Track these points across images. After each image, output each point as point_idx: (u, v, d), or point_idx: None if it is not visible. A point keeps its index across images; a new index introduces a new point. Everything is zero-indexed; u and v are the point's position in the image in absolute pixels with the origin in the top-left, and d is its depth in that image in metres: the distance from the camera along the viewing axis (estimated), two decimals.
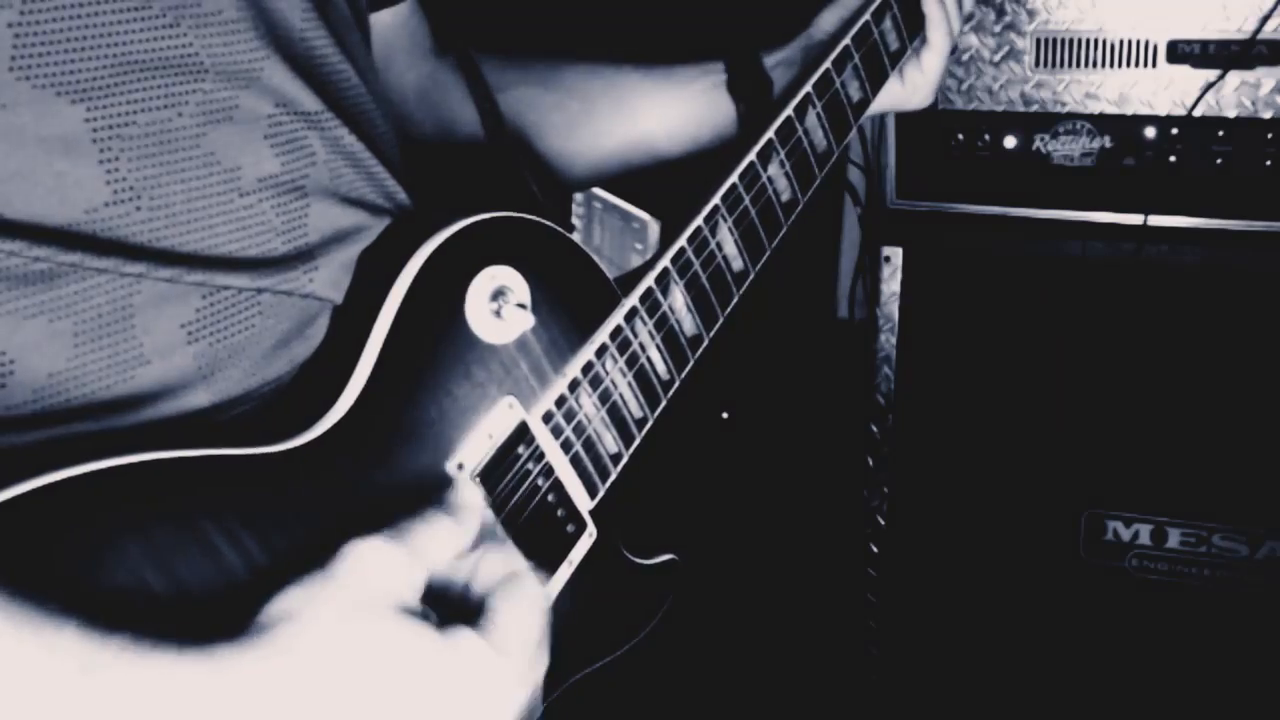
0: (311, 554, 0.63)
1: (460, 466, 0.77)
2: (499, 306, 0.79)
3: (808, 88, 1.05)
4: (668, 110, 1.16)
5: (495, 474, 0.78)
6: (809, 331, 2.51)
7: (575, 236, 0.88)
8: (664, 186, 1.18)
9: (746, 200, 0.98)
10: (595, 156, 1.16)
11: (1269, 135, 1.58)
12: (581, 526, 0.86)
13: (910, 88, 1.21)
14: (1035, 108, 1.67)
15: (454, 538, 0.67)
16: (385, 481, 0.73)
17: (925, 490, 1.85)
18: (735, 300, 0.99)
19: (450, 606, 0.66)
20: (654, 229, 2.01)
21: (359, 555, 0.62)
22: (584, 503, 0.86)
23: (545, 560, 0.82)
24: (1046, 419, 1.76)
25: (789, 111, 1.03)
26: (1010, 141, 1.70)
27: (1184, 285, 1.67)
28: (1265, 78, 1.56)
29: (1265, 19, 1.53)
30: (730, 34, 1.22)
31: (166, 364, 0.70)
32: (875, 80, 1.14)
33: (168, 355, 0.70)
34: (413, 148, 1.07)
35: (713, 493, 2.33)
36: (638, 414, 0.91)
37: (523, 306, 0.81)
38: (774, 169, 1.01)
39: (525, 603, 0.67)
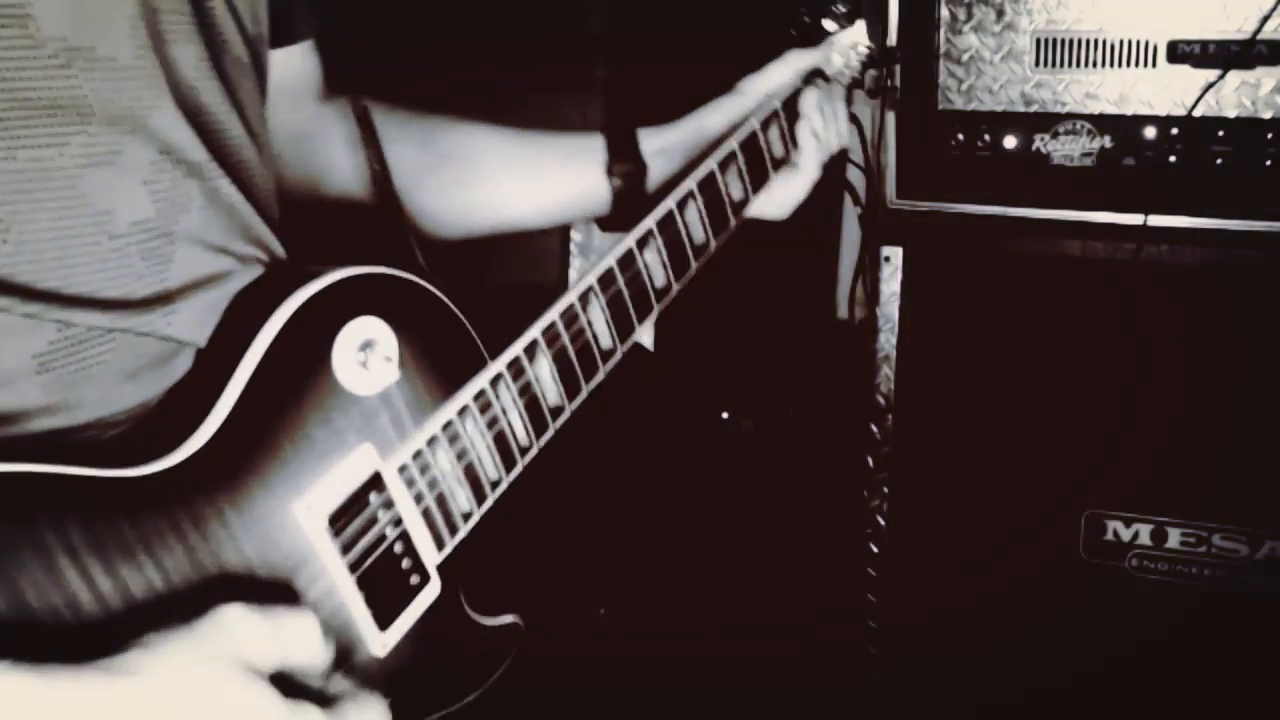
0: (161, 584, 0.65)
1: (310, 508, 0.77)
2: (366, 358, 0.81)
3: (691, 184, 1.09)
4: (542, 187, 1.19)
5: (344, 518, 0.79)
6: (809, 331, 2.51)
7: (446, 298, 0.90)
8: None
9: (620, 282, 1.02)
10: (465, 222, 1.17)
11: (1269, 135, 1.58)
12: (426, 579, 0.86)
13: (773, 203, 1.24)
14: (1035, 108, 1.68)
15: (320, 646, 0.68)
16: (235, 516, 0.73)
17: (925, 490, 1.85)
18: (600, 376, 1.02)
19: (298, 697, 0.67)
20: None
21: (225, 615, 0.63)
22: (431, 556, 0.87)
23: (386, 608, 0.83)
24: (1046, 419, 1.76)
25: (671, 204, 1.07)
26: (1010, 141, 1.70)
27: (1184, 285, 1.67)
28: (1265, 78, 1.56)
29: (1265, 19, 1.53)
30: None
31: (13, 392, 0.70)
32: (757, 181, 1.19)
33: (15, 383, 0.70)
34: (295, 200, 1.07)
35: (713, 493, 2.33)
36: (493, 475, 0.92)
37: (389, 360, 0.83)
38: (650, 256, 1.05)
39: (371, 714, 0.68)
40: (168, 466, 0.71)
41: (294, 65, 1.07)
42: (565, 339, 0.96)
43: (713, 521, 2.30)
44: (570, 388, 0.98)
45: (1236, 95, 1.58)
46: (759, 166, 1.18)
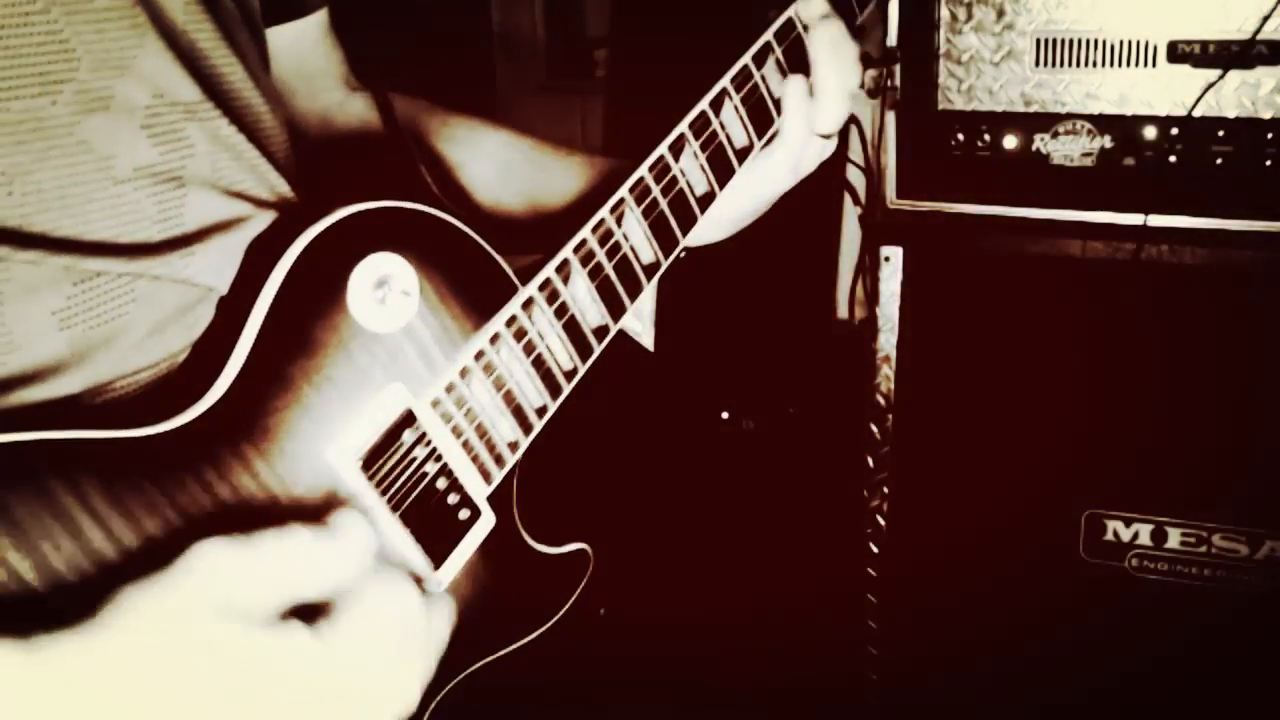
0: (172, 542, 0.63)
1: (341, 451, 0.77)
2: (383, 295, 0.80)
3: (724, 82, 0.99)
4: (569, 190, 1.14)
5: (378, 458, 0.78)
6: (809, 331, 2.51)
7: (467, 227, 0.87)
8: None
9: (656, 191, 0.97)
10: (501, 212, 1.14)
11: (1269, 135, 1.58)
12: (476, 514, 0.85)
13: (762, 177, 1.07)
14: (1035, 108, 1.67)
15: (312, 556, 0.66)
16: (264, 466, 0.73)
17: (925, 490, 1.85)
18: (646, 290, 0.98)
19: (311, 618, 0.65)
20: None
21: (198, 557, 0.62)
22: (479, 490, 0.86)
23: (437, 546, 0.82)
24: (1046, 419, 1.76)
25: (704, 105, 0.99)
26: (1010, 141, 1.70)
27: (1184, 285, 1.67)
28: (1265, 78, 1.56)
29: (1265, 19, 1.53)
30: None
31: (37, 350, 0.70)
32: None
33: (38, 342, 0.70)
34: (309, 147, 1.05)
35: (713, 492, 2.33)
36: (537, 402, 0.90)
37: (407, 294, 0.81)
38: (687, 161, 0.99)
39: (381, 603, 0.66)
40: (188, 420, 0.70)
41: (316, 46, 1.06)
42: (600, 255, 0.93)
43: (713, 521, 2.30)
44: (613, 306, 0.95)
45: (1236, 95, 1.58)
46: (798, 52, 1.06)
